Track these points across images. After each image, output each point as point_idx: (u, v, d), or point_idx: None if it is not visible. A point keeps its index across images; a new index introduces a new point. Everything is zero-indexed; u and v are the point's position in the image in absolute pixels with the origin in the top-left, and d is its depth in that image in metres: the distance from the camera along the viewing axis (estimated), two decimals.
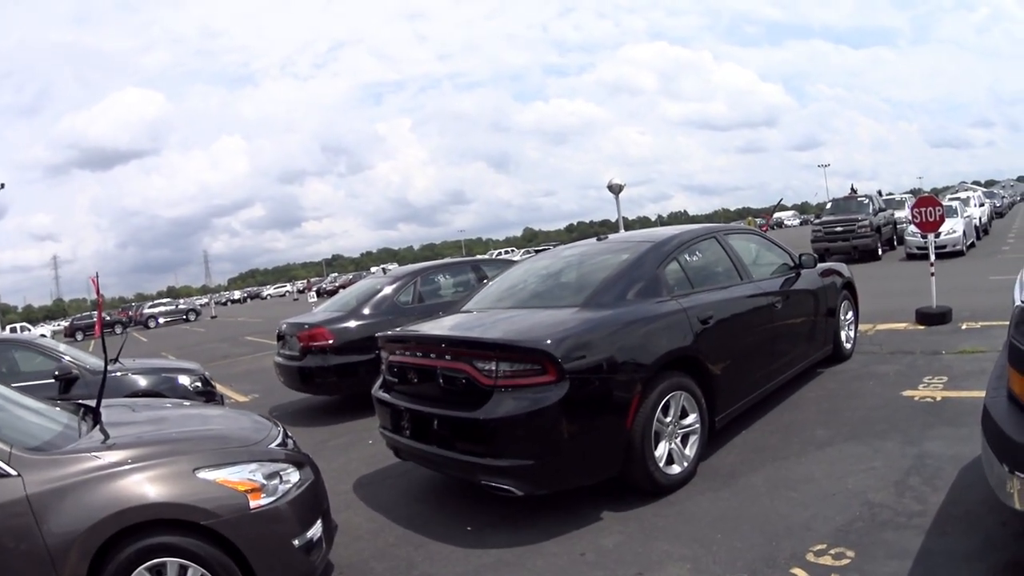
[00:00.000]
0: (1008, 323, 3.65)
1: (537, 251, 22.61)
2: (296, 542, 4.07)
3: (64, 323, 69.39)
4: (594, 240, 7.66)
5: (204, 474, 3.92)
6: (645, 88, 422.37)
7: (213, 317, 55.68)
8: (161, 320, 57.81)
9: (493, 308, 6.41)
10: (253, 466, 4.11)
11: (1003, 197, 47.84)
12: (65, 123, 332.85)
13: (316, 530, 4.27)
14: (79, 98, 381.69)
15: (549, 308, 5.94)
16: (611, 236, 7.81)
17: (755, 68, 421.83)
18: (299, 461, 4.44)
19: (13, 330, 45.64)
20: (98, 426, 4.39)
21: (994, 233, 31.12)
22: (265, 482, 4.07)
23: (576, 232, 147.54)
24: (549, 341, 4.98)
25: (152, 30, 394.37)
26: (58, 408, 4.96)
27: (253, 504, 3.93)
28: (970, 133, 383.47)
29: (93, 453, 3.85)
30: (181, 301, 76.63)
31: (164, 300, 76.69)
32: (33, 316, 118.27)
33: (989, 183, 78.67)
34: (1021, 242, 25.40)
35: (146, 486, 3.75)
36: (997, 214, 40.34)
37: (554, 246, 9.94)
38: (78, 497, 3.61)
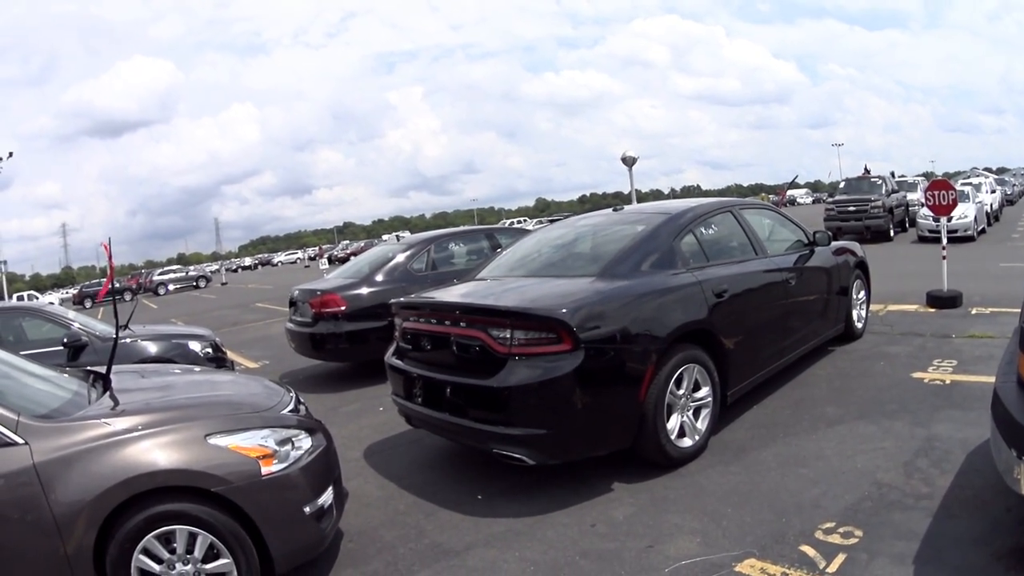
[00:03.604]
0: (1019, 309, 3.65)
1: (551, 221, 22.53)
2: (307, 509, 4.07)
3: (72, 291, 69.37)
4: (609, 211, 7.62)
5: (216, 440, 3.91)
6: (657, 62, 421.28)
7: (223, 284, 55.56)
8: (171, 287, 57.70)
9: (507, 276, 6.39)
10: (265, 432, 4.11)
11: (1014, 185, 47.36)
12: (73, 92, 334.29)
13: (327, 497, 4.27)
14: (88, 68, 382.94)
15: (564, 277, 5.91)
16: (627, 207, 7.75)
17: (768, 45, 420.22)
18: (311, 427, 4.44)
19: (20, 298, 45.62)
20: (108, 393, 4.38)
21: (1005, 220, 30.84)
22: (277, 448, 4.06)
23: (589, 203, 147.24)
24: (565, 310, 4.97)
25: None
26: (67, 375, 4.95)
27: (265, 471, 3.93)
28: (981, 119, 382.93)
29: (102, 420, 3.83)
30: (191, 268, 76.70)
31: (174, 267, 76.66)
32: (41, 284, 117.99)
33: (1000, 170, 77.86)
34: None
35: (156, 453, 3.74)
36: (1008, 202, 39.95)
37: (565, 217, 9.87)
38: (86, 465, 3.59)
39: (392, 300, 6.43)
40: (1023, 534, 3.95)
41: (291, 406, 4.59)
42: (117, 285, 57.58)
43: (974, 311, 9.95)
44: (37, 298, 48.45)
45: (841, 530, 4.24)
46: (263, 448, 4.02)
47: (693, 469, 5.39)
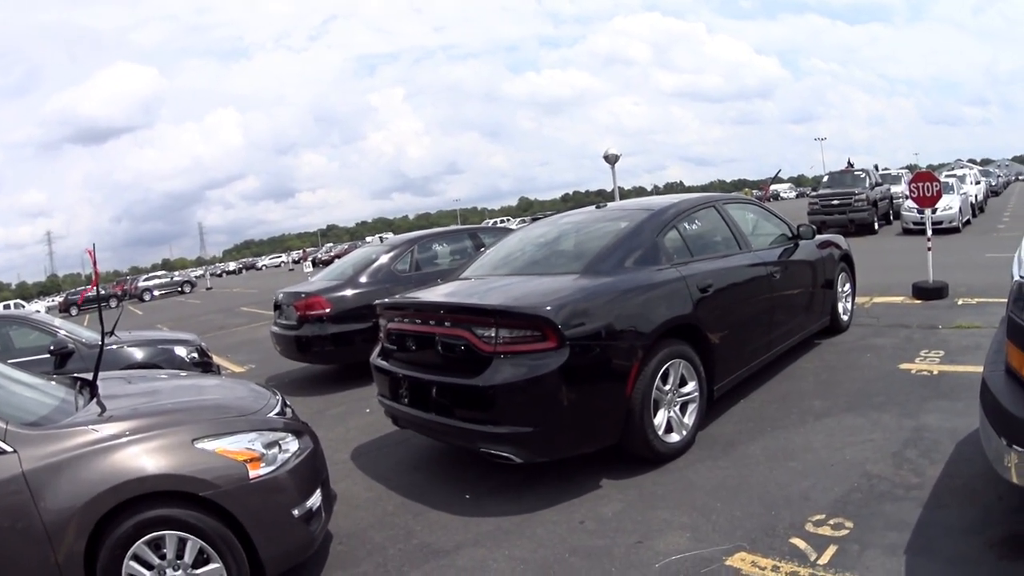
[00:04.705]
0: (1006, 299, 3.64)
1: (534, 219, 22.56)
2: (296, 512, 4.06)
3: (59, 298, 69.13)
4: (592, 208, 7.61)
5: (203, 444, 3.90)
6: (639, 59, 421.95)
7: (208, 289, 55.52)
8: (156, 293, 57.57)
9: (491, 275, 6.37)
10: (252, 435, 4.09)
11: (998, 176, 47.68)
12: (57, 100, 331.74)
13: (315, 499, 4.26)
14: (71, 75, 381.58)
15: (548, 275, 5.90)
16: (609, 204, 7.76)
17: (749, 41, 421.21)
18: (298, 430, 4.43)
19: (7, 307, 45.45)
20: (95, 399, 4.35)
21: (989, 211, 31.02)
22: (264, 451, 4.05)
23: (572, 201, 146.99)
24: (549, 307, 4.96)
25: (144, 6, 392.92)
26: (54, 382, 4.91)
27: (252, 474, 3.92)
28: (965, 111, 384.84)
29: (90, 426, 3.81)
30: (176, 273, 76.39)
31: (159, 273, 76.29)
32: (27, 292, 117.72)
33: (985, 161, 78.27)
34: (1016, 221, 25.26)
35: (144, 458, 3.72)
36: (993, 193, 40.21)
37: (547, 215, 9.89)
38: (75, 472, 3.58)
39: (377, 301, 6.41)
40: (1015, 522, 3.96)
41: (277, 409, 4.56)
42: (102, 291, 57.42)
43: (960, 302, 9.99)
44: (23, 306, 48.28)
45: (831, 522, 4.24)
46: (250, 451, 4.00)
47: (681, 464, 5.38)
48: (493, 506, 5.11)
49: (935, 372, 6.82)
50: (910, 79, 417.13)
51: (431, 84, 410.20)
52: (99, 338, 5.74)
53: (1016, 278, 3.57)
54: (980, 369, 3.81)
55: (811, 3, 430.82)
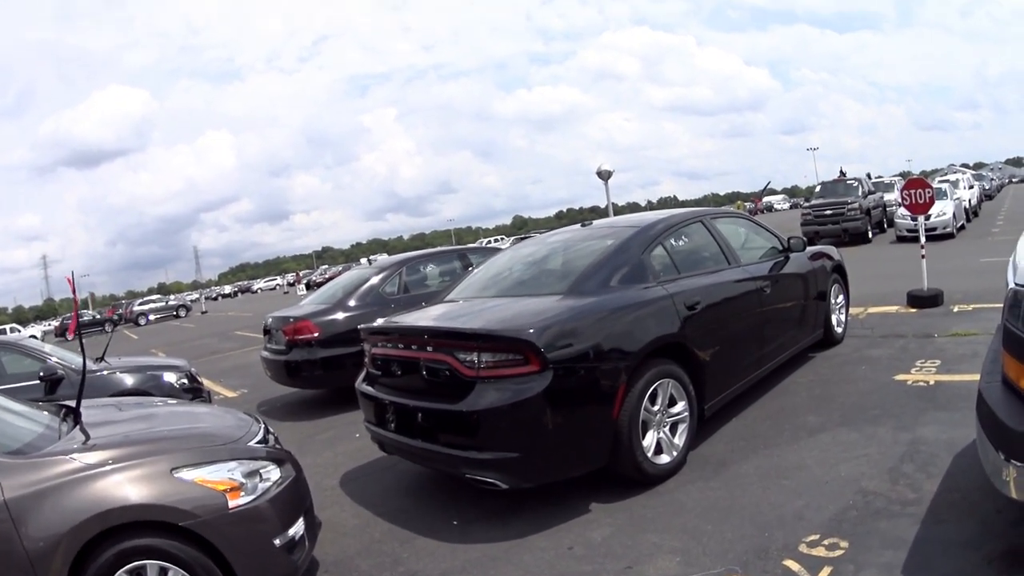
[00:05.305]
0: (1001, 306, 3.57)
1: (522, 238, 22.60)
2: (277, 541, 4.01)
3: (55, 323, 69.21)
4: (578, 226, 7.57)
5: (182, 474, 3.86)
6: (629, 74, 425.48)
7: (203, 313, 55.68)
8: (152, 317, 57.88)
9: (477, 297, 6.33)
10: (232, 464, 4.06)
11: (992, 179, 47.84)
12: (50, 123, 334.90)
13: (298, 528, 4.21)
14: (63, 97, 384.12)
15: (532, 296, 5.85)
16: (596, 222, 7.73)
17: (739, 53, 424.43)
18: (279, 458, 4.38)
19: (2, 332, 45.43)
20: (78, 427, 4.33)
21: (984, 215, 31.17)
22: (244, 481, 4.02)
23: (566, 218, 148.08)
24: (531, 330, 4.89)
25: (135, 27, 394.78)
26: (40, 410, 4.87)
27: (232, 503, 3.88)
28: (957, 116, 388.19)
29: (71, 455, 3.79)
30: (171, 297, 76.71)
31: (154, 297, 76.68)
32: (23, 317, 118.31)
33: (978, 165, 78.59)
34: (1011, 225, 25.28)
35: (124, 488, 3.70)
36: (986, 196, 40.36)
37: (534, 234, 9.92)
38: (56, 500, 3.55)
39: (360, 325, 6.36)
40: (1014, 536, 3.89)
41: (259, 437, 4.52)
42: (97, 316, 57.74)
43: (956, 309, 9.99)
44: (19, 331, 48.31)
45: (826, 542, 4.16)
46: (230, 481, 3.97)
47: (672, 486, 5.30)
48: (481, 532, 5.03)
49: (931, 382, 6.76)
50: (900, 85, 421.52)
51: (423, 104, 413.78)
52: (89, 364, 5.69)
53: (1011, 286, 3.50)
54: (977, 378, 3.75)
55: (800, 13, 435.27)
